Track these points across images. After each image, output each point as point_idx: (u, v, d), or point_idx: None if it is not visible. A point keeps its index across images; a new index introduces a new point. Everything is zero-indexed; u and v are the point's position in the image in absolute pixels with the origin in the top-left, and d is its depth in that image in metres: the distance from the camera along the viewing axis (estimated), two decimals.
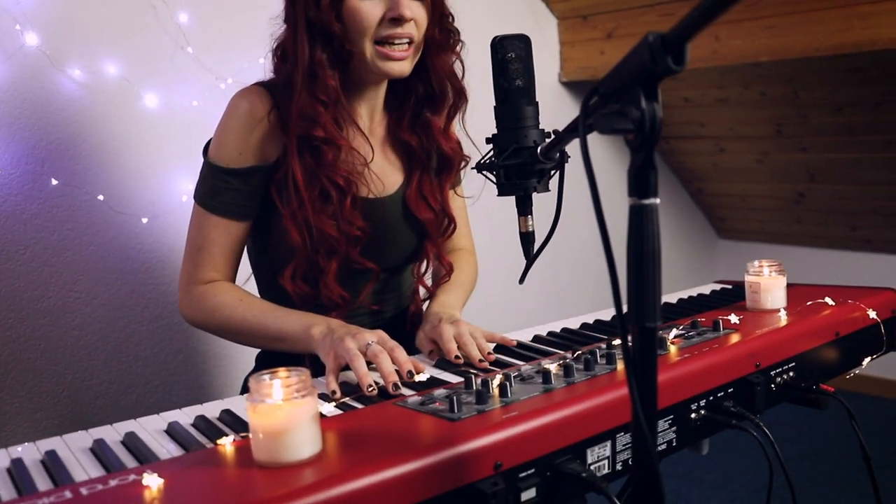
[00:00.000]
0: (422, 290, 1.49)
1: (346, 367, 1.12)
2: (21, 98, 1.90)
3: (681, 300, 1.58)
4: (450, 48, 1.36)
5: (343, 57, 1.26)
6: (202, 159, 1.35)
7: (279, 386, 0.80)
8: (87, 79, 2.01)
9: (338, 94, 1.27)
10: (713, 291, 1.65)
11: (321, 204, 1.28)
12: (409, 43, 1.27)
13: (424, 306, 1.47)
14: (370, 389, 1.05)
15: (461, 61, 1.39)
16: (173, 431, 0.99)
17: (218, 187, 1.31)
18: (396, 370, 1.10)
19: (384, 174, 1.39)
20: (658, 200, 0.69)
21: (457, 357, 1.19)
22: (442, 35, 1.34)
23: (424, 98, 1.39)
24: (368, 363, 1.11)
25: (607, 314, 1.50)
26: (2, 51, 1.86)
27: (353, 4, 1.22)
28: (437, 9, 1.31)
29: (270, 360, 1.50)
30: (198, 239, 1.34)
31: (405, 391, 1.06)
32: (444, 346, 1.22)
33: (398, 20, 1.23)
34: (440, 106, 1.39)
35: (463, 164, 1.46)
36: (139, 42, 2.09)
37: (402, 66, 1.28)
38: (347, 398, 1.05)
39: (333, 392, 1.08)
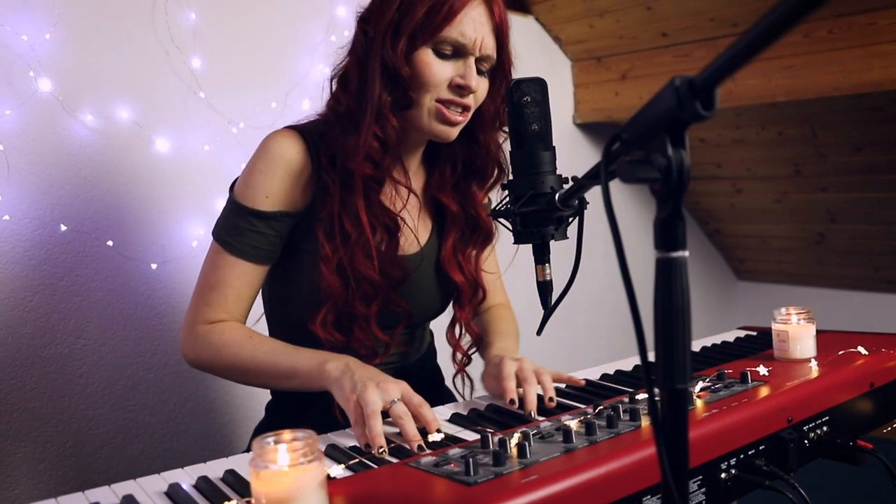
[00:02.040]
0: (458, 355, 1.43)
1: None
2: (33, 144, 1.89)
3: (704, 348, 1.52)
4: (500, 125, 1.36)
5: (404, 103, 1.24)
6: (224, 198, 1.32)
7: (284, 451, 0.75)
8: (100, 124, 2.00)
9: (398, 137, 1.26)
10: (737, 339, 1.59)
11: (365, 246, 1.25)
12: (465, 110, 1.26)
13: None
14: (380, 451, 1.00)
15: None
16: (174, 494, 0.94)
17: (240, 227, 1.26)
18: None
19: (418, 228, 1.38)
20: (687, 253, 0.65)
21: (511, 402, 1.17)
22: (496, 112, 1.34)
23: (470, 169, 1.38)
24: (384, 414, 1.06)
25: (627, 364, 1.44)
26: (15, 97, 1.85)
27: (426, 59, 1.22)
28: (497, 86, 1.31)
29: (281, 408, 1.45)
30: (211, 277, 1.29)
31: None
32: (503, 385, 1.19)
33: (464, 88, 1.23)
34: (485, 180, 1.38)
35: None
36: (152, 87, 2.09)
37: (453, 132, 1.28)
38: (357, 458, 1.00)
39: (381, 448, 1.01)
